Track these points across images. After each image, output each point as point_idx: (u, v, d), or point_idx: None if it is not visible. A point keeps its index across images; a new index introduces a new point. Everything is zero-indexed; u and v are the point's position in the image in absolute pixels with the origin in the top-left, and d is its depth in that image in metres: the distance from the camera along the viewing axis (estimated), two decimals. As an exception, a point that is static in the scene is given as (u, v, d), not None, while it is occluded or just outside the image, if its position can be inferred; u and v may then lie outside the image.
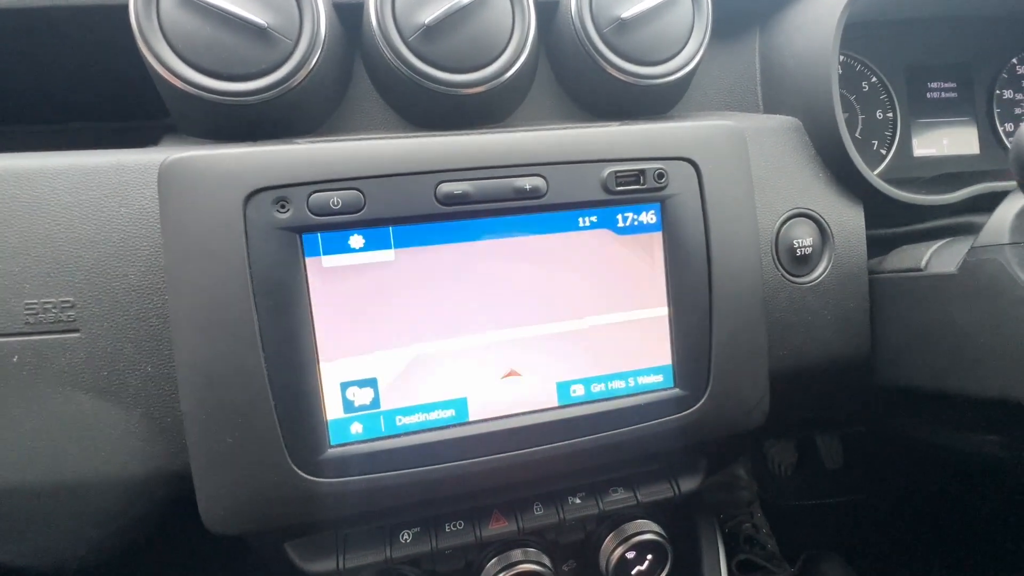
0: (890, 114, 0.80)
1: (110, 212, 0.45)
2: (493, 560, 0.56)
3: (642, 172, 0.47)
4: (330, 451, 0.44)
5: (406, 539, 0.49)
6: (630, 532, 0.58)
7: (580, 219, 0.47)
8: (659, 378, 0.50)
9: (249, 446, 0.42)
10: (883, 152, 0.79)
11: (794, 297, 0.58)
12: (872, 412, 0.72)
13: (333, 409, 0.44)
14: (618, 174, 0.47)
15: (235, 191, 0.41)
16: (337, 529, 0.49)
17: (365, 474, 0.44)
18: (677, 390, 0.50)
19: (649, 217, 0.49)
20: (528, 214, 0.46)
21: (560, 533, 0.59)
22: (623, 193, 0.47)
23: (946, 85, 0.81)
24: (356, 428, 0.45)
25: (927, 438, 0.74)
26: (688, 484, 0.55)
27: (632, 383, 0.49)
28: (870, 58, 0.79)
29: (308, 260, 0.43)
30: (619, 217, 0.48)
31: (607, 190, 0.47)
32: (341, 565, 0.47)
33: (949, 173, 0.76)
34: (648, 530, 0.58)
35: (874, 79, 0.79)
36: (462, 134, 0.47)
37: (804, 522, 1.38)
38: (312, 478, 0.43)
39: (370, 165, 0.43)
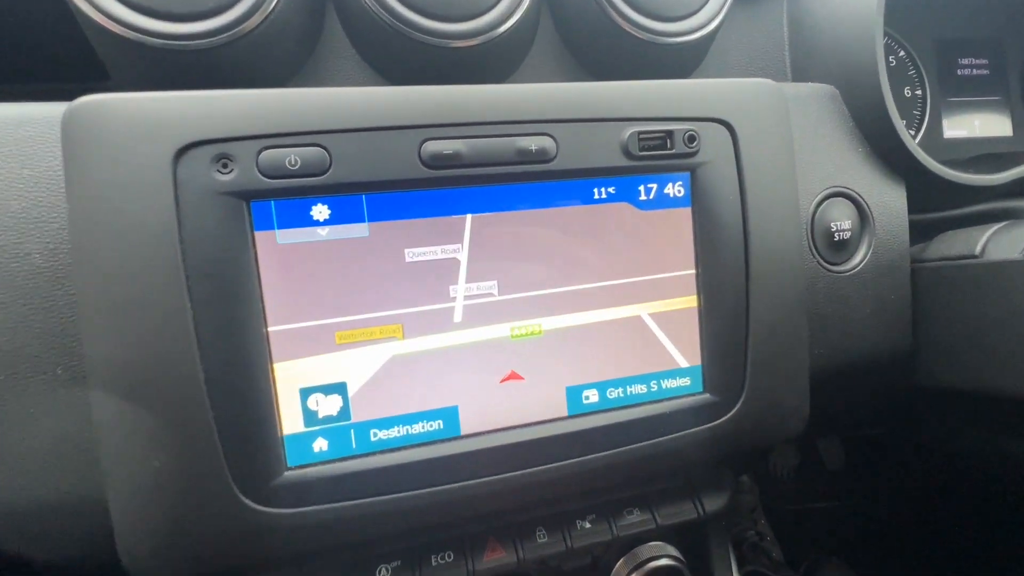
0: (919, 91, 0.73)
1: (8, 175, 0.36)
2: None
3: (670, 135, 0.39)
4: (287, 474, 0.35)
5: (382, 573, 0.41)
6: (644, 557, 0.51)
7: (595, 190, 0.39)
8: (686, 381, 0.42)
9: (181, 469, 0.33)
10: (911, 133, 0.73)
11: (831, 288, 0.51)
12: (905, 415, 0.65)
13: (291, 422, 0.35)
14: (642, 136, 0.39)
15: (162, 144, 0.32)
16: (299, 566, 0.40)
17: (331, 502, 0.35)
18: (707, 395, 0.42)
19: (676, 189, 0.41)
20: (533, 182, 0.38)
21: (564, 559, 0.52)
22: (647, 159, 0.39)
23: (978, 61, 0.75)
24: (320, 445, 0.36)
25: (961, 444, 0.67)
26: (714, 503, 0.48)
27: (655, 387, 0.42)
28: (897, 30, 0.72)
29: (258, 235, 0.34)
30: (641, 189, 0.40)
31: (628, 155, 0.39)
32: None
33: (986, 155, 0.69)
34: (664, 554, 0.51)
35: (902, 53, 0.73)
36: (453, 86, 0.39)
37: (806, 525, 1.33)
38: (263, 508, 0.34)
39: (338, 116, 0.34)
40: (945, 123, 0.74)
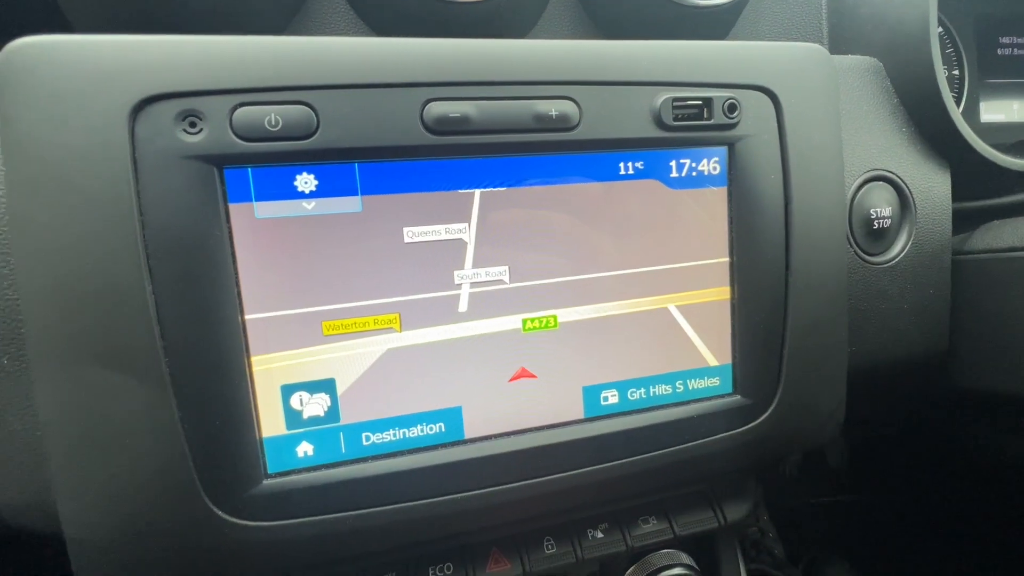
0: (956, 71, 0.68)
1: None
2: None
3: (708, 103, 0.35)
4: (266, 483, 0.31)
5: (380, 589, 0.37)
6: (656, 566, 0.47)
7: (621, 165, 0.35)
8: (715, 381, 0.38)
9: (144, 477, 0.29)
10: (947, 116, 0.68)
11: (867, 280, 0.47)
12: (925, 418, 0.62)
13: (270, 423, 0.31)
14: (676, 103, 0.34)
15: (117, 96, 0.27)
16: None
17: (317, 515, 0.31)
18: (738, 397, 0.38)
19: (712, 166, 0.36)
20: (551, 154, 0.33)
21: (572, 568, 0.48)
22: (682, 130, 0.34)
23: (1019, 40, 0.70)
24: (304, 450, 0.32)
25: (996, 449, 0.64)
26: (736, 512, 0.44)
27: (681, 388, 0.37)
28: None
29: (232, 208, 0.29)
30: (672, 164, 0.35)
31: (661, 124, 0.34)
32: None
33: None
34: (677, 563, 0.47)
35: (940, 29, 0.68)
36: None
37: (809, 522, 1.30)
38: (239, 521, 0.30)
39: (327, 70, 0.29)
40: (982, 106, 0.69)
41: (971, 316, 0.50)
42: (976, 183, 0.52)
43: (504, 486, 0.33)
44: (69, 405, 0.28)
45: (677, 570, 0.47)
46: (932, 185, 0.49)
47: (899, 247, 0.48)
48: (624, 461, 0.35)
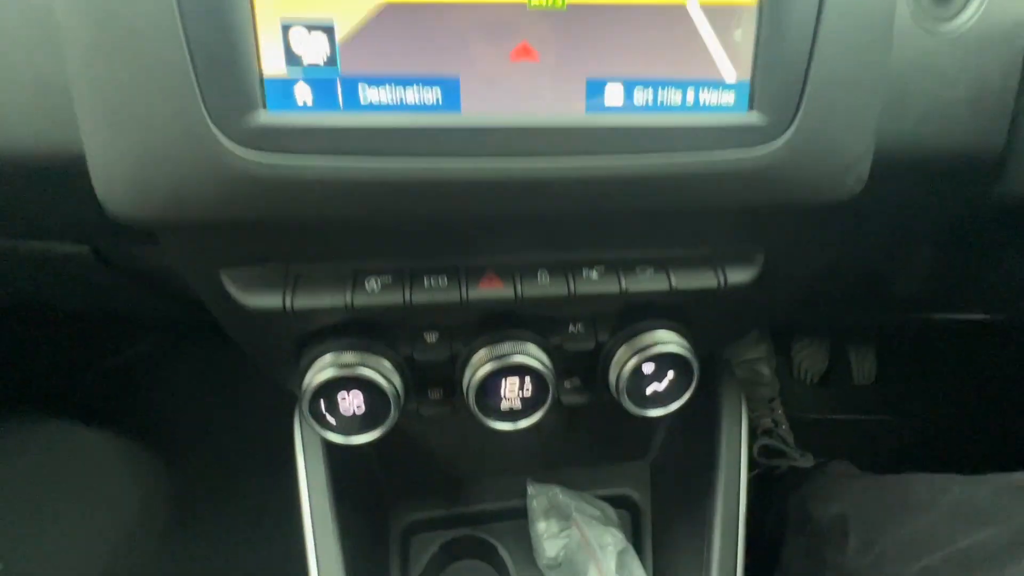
0: None
1: None
2: (482, 351, 0.46)
3: None
4: (266, 115, 0.31)
5: (373, 287, 0.38)
6: (648, 342, 0.47)
7: None
8: (730, 98, 0.36)
9: (154, 102, 0.30)
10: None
11: (925, 50, 0.42)
12: (972, 232, 0.56)
13: (271, 61, 0.31)
14: None
15: None
16: (288, 261, 0.38)
17: (313, 152, 0.31)
18: (754, 114, 0.36)
19: None
20: None
21: (566, 337, 0.48)
22: None
23: None
24: (303, 94, 0.32)
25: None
26: (738, 275, 0.42)
27: (691, 99, 0.36)
28: None
29: None
30: None
31: None
32: (289, 304, 0.36)
33: None
34: (671, 341, 0.47)
35: None
36: None
37: (822, 438, 1.27)
38: (240, 148, 0.31)
39: None
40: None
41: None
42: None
43: (500, 158, 0.33)
44: (89, 41, 0.29)
45: (671, 347, 0.47)
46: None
47: (969, 13, 0.42)
48: (624, 157, 0.34)
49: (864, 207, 0.45)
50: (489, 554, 0.77)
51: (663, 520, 0.78)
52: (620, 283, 0.41)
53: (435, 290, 0.38)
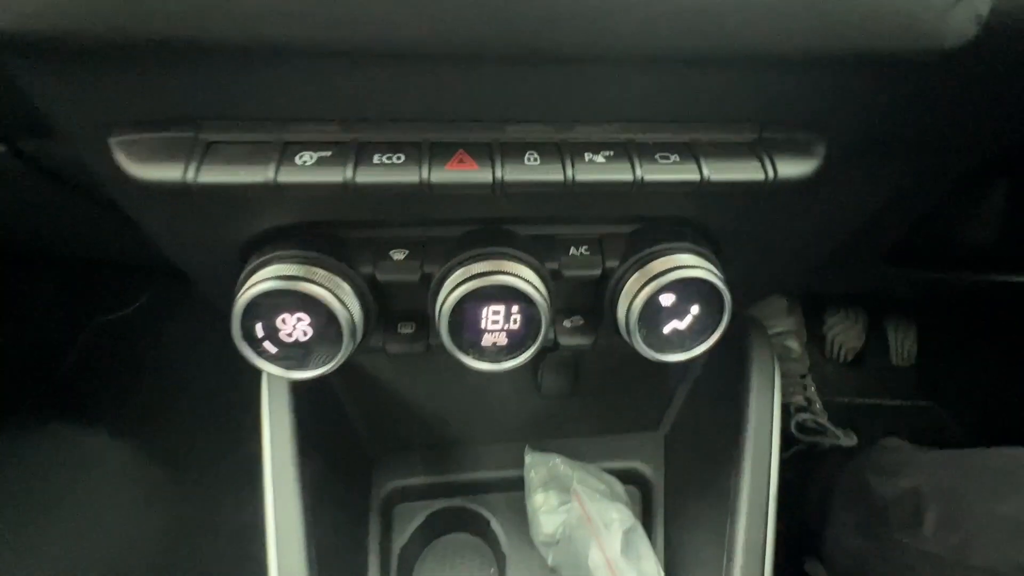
0: None
1: None
2: (460, 270, 0.37)
3: None
4: None
5: (305, 160, 0.29)
6: (667, 266, 0.37)
7: None
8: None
9: None
10: None
11: None
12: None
13: None
14: None
15: None
16: (198, 128, 0.29)
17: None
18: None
19: None
20: None
21: (566, 261, 0.39)
22: None
23: None
24: None
25: None
26: (792, 167, 0.32)
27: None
28: None
29: None
30: None
31: None
32: (192, 176, 0.28)
33: None
34: (696, 264, 0.37)
35: None
36: None
37: (853, 424, 1.15)
38: None
39: None
40: None
41: None
42: None
43: None
44: None
45: (697, 272, 0.37)
46: None
47: None
48: None
49: (949, 98, 0.35)
50: (480, 528, 0.69)
51: (678, 496, 0.70)
52: (634, 169, 0.31)
53: (387, 168, 0.29)
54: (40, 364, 1.09)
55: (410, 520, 0.68)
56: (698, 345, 0.39)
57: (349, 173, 0.28)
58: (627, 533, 0.59)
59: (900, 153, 0.39)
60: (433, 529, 0.69)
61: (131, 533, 0.87)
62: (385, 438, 0.69)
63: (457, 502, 0.70)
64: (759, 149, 0.32)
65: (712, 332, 0.39)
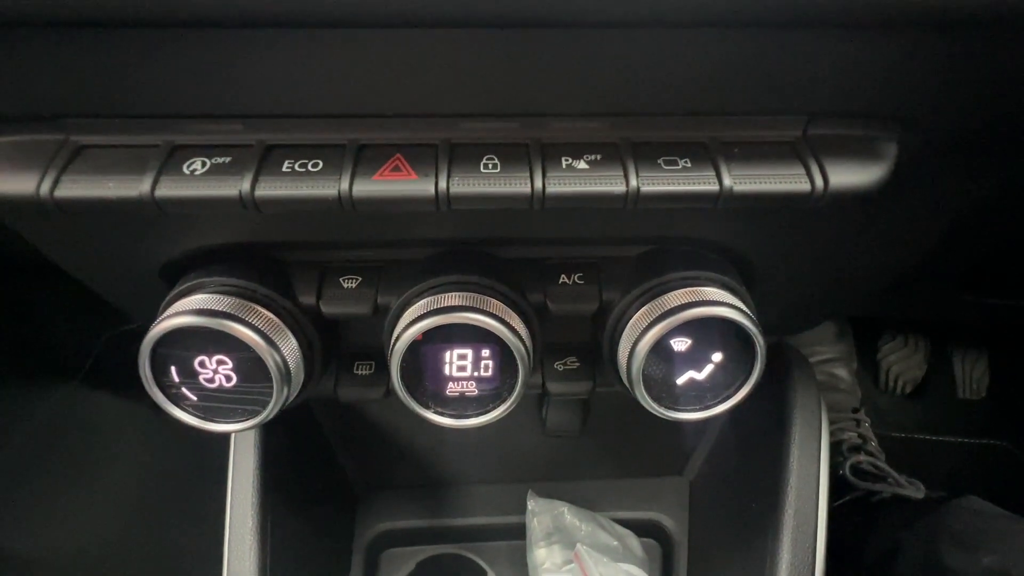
0: None
1: None
2: (420, 303, 0.30)
3: None
4: None
5: (195, 168, 0.22)
6: (680, 301, 0.29)
7: None
8: None
9: None
10: None
11: None
12: None
13: None
14: None
15: None
16: (67, 128, 0.23)
17: None
18: None
19: None
20: None
21: (555, 292, 0.32)
22: None
23: None
24: None
25: None
26: (850, 175, 0.24)
27: None
28: None
29: None
30: None
31: None
32: (46, 189, 0.21)
33: None
34: (720, 301, 0.29)
35: None
36: None
37: (911, 463, 1.01)
38: None
39: None
40: None
41: None
42: None
43: None
44: None
45: (721, 309, 0.29)
46: None
47: None
48: None
49: None
50: (476, 580, 0.62)
51: (704, 555, 0.60)
52: (628, 179, 0.23)
53: (297, 179, 0.22)
54: (61, 369, 1.09)
55: (398, 568, 0.61)
56: (720, 402, 0.31)
57: (246, 186, 0.22)
58: (640, 604, 0.50)
59: (992, 152, 0.30)
60: (424, 579, 0.62)
61: (121, 555, 0.85)
62: (372, 475, 0.62)
63: (451, 549, 0.62)
64: (804, 149, 0.24)
65: (739, 386, 0.30)
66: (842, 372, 0.93)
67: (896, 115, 0.24)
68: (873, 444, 0.84)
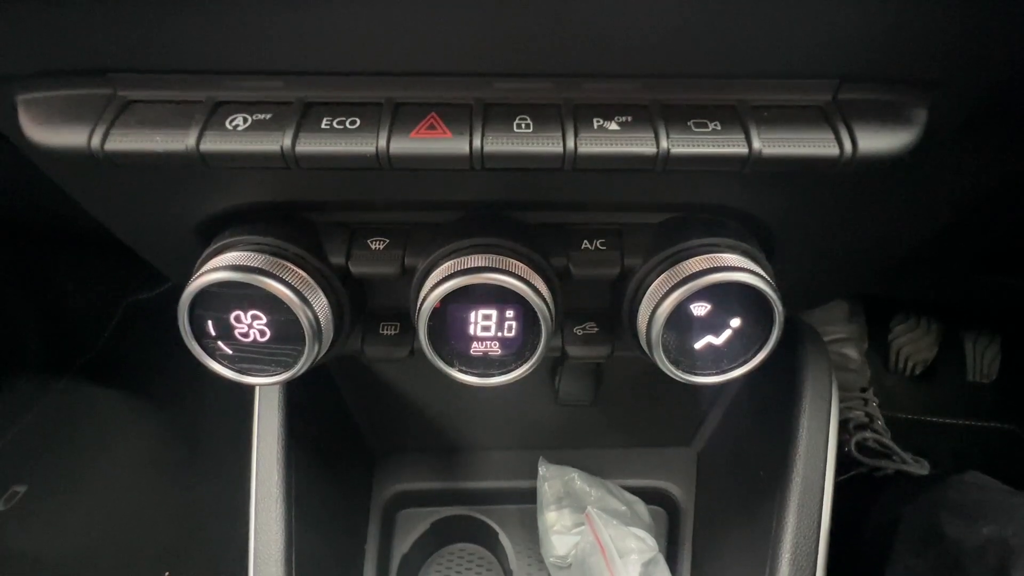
0: None
1: None
2: (445, 264, 0.31)
3: None
4: None
5: (237, 124, 0.23)
6: (700, 267, 0.30)
7: None
8: None
9: None
10: None
11: None
12: None
13: None
14: None
15: None
16: (115, 83, 0.24)
17: None
18: None
19: None
20: None
21: (577, 257, 0.32)
22: None
23: None
24: None
25: None
26: (878, 140, 0.24)
27: None
28: None
29: None
30: None
31: None
32: (97, 143, 0.22)
33: None
34: (741, 267, 0.30)
35: None
36: None
37: (919, 444, 1.01)
38: None
39: None
40: None
41: None
42: None
43: None
44: None
45: (741, 275, 0.29)
46: None
47: None
48: None
49: None
50: (488, 540, 0.64)
51: (710, 524, 0.62)
52: (658, 140, 0.24)
53: (336, 135, 0.23)
54: (82, 336, 1.11)
55: (413, 527, 0.63)
56: (737, 367, 0.32)
57: (288, 141, 0.22)
58: (646, 565, 0.52)
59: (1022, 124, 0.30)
60: (437, 538, 0.64)
61: (146, 513, 0.88)
62: (389, 437, 0.64)
63: (464, 511, 0.64)
64: (833, 114, 0.24)
65: (756, 351, 0.31)
66: (852, 352, 0.93)
67: (927, 80, 0.24)
68: (880, 423, 0.85)
